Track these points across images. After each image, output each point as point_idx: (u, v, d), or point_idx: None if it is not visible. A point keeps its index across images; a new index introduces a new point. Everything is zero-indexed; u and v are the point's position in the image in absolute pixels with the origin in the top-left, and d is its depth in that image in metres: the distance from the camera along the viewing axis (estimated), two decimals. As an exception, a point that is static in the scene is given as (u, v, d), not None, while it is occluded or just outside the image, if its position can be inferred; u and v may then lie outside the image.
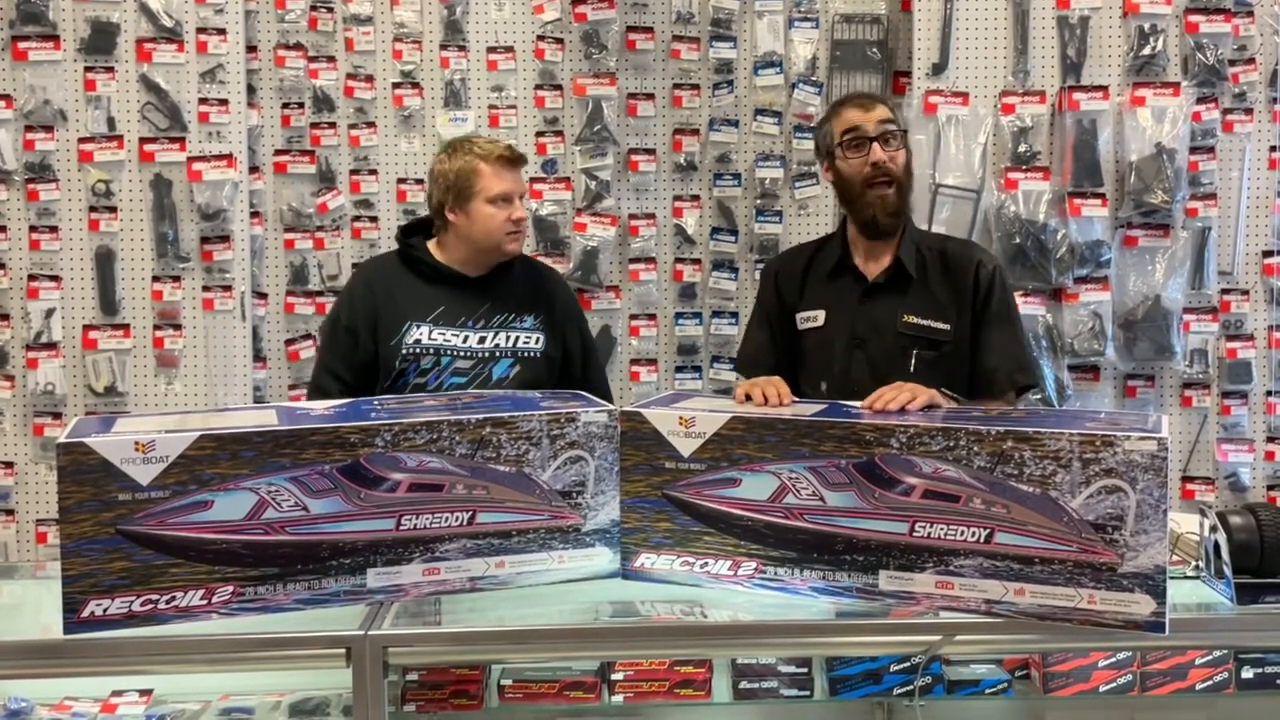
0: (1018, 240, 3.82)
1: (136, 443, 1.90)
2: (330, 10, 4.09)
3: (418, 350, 2.83)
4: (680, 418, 2.07)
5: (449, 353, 2.84)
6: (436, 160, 2.93)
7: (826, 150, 2.79)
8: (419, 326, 2.84)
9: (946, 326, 2.73)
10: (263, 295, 4.06)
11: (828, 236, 2.94)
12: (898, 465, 1.97)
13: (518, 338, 2.88)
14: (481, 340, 2.86)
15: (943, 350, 2.72)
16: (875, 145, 2.69)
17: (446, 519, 2.04)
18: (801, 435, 2.03)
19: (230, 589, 1.95)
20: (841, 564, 2.00)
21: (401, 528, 2.02)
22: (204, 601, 1.94)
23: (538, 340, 2.90)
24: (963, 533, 1.94)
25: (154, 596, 1.92)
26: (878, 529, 1.98)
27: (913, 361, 2.70)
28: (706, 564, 2.08)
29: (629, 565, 2.12)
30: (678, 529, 2.09)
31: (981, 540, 1.93)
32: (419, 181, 4.10)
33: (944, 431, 1.95)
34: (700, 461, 2.07)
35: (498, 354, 2.87)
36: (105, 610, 1.91)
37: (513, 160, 2.86)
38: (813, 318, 2.83)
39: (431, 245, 2.95)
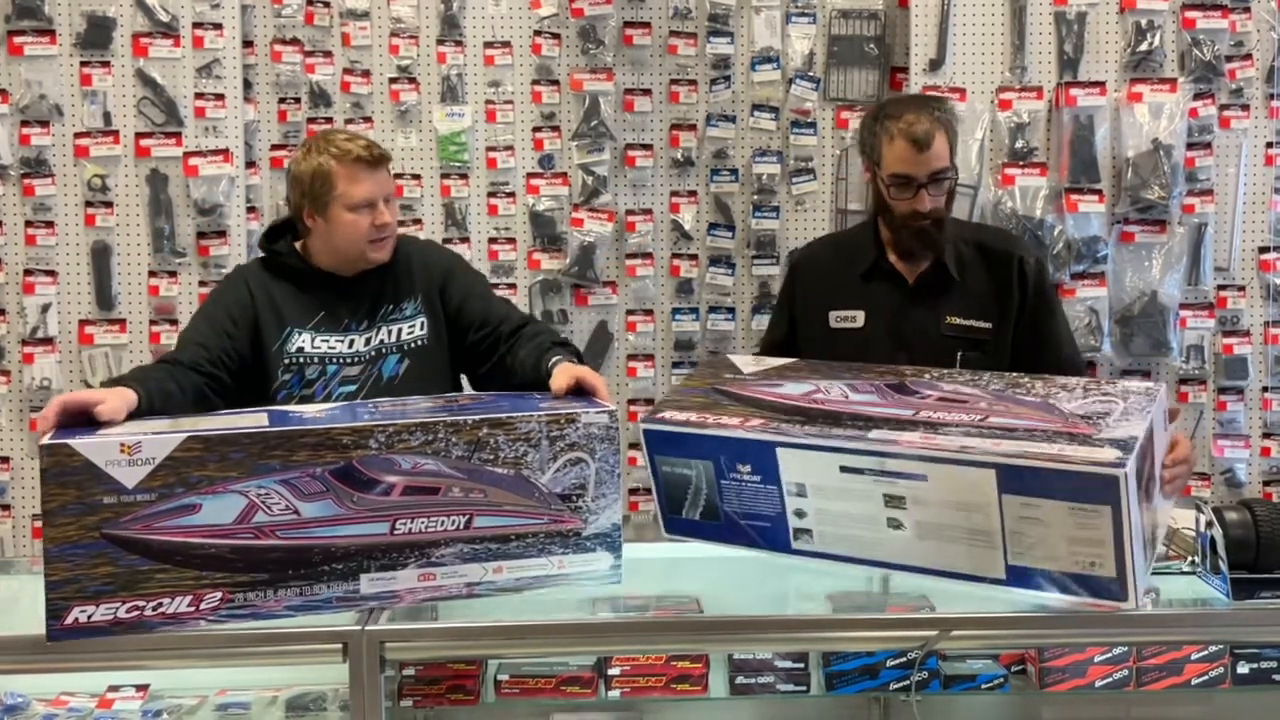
0: (1015, 236, 3.83)
1: (122, 445, 1.87)
2: (327, 5, 4.08)
3: (301, 360, 2.62)
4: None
5: (335, 360, 2.63)
6: (291, 159, 2.70)
7: (873, 158, 2.72)
8: (300, 334, 2.63)
9: (989, 325, 2.71)
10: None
11: (856, 230, 2.89)
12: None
13: (400, 329, 2.67)
14: (367, 342, 2.65)
15: (986, 349, 2.70)
16: (924, 192, 2.63)
17: (442, 523, 2.01)
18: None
19: (219, 595, 1.92)
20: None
21: (396, 532, 1.98)
22: (192, 608, 1.91)
23: (421, 326, 2.68)
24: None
25: (140, 603, 1.89)
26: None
27: (958, 363, 2.68)
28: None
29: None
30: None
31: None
32: (416, 177, 4.10)
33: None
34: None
35: (384, 350, 2.66)
36: (90, 617, 1.87)
37: (371, 161, 2.59)
38: (850, 318, 2.78)
39: (299, 246, 2.72)
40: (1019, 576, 1.95)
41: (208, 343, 2.55)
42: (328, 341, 2.64)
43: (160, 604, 1.90)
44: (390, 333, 2.67)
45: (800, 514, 2.12)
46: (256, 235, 3.96)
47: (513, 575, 2.06)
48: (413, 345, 2.68)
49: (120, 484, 1.87)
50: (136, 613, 1.89)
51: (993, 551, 1.96)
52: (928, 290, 2.75)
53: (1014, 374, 2.24)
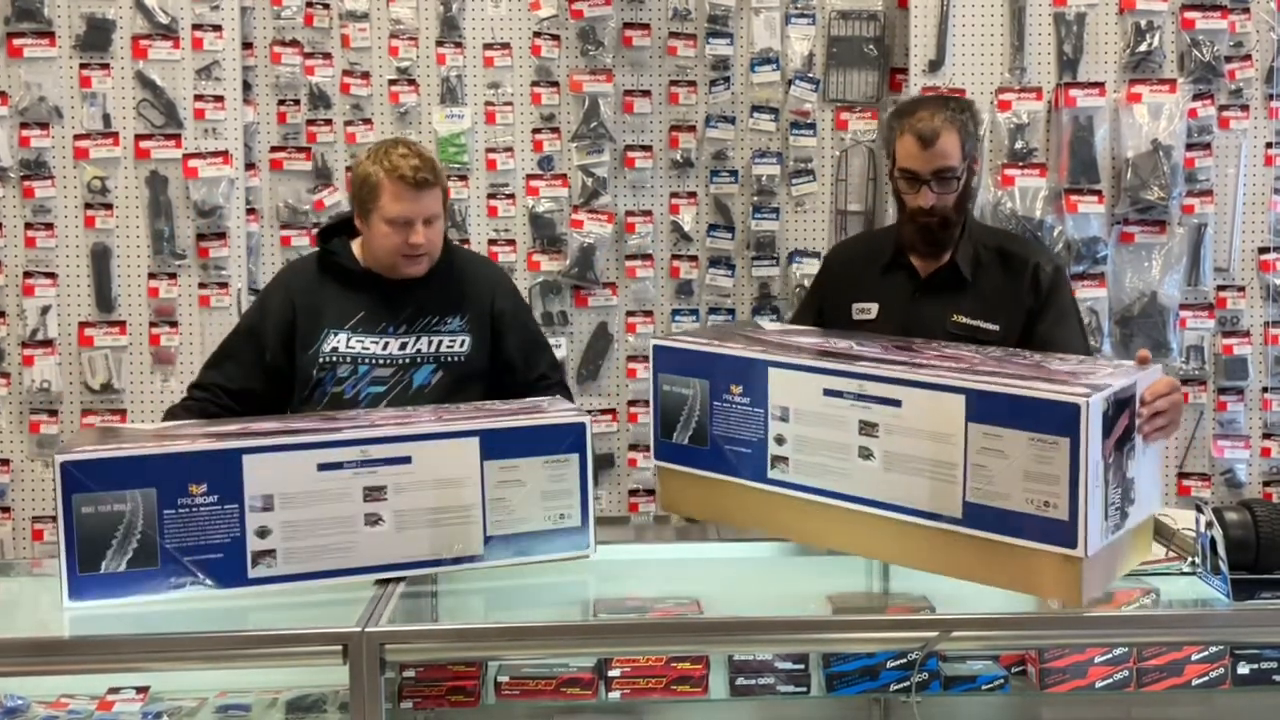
0: (1014, 237, 3.83)
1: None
2: (326, 7, 4.08)
3: (334, 359, 2.69)
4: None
5: (367, 361, 2.69)
6: (360, 158, 2.77)
7: (888, 154, 2.78)
8: (336, 334, 2.71)
9: (995, 327, 2.72)
10: (259, 293, 4.05)
11: (889, 227, 2.94)
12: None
13: (440, 341, 2.73)
14: (402, 346, 2.71)
15: None
16: (925, 189, 2.66)
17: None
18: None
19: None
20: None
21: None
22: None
23: (462, 344, 2.74)
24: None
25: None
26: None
27: None
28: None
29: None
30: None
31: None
32: (415, 178, 4.09)
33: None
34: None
35: (419, 359, 2.71)
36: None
37: (415, 183, 2.62)
38: (866, 310, 2.82)
39: (355, 245, 2.78)
40: (974, 516, 1.97)
41: (230, 376, 2.73)
42: (362, 342, 2.70)
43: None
44: (430, 342, 2.72)
45: (780, 440, 2.18)
46: (256, 237, 3.99)
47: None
48: (450, 358, 2.73)
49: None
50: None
51: (953, 487, 1.98)
52: (938, 287, 2.77)
53: (1018, 349, 2.34)
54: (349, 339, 2.71)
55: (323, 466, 2.06)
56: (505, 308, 2.83)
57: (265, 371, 2.72)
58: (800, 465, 2.16)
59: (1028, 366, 2.09)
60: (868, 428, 2.07)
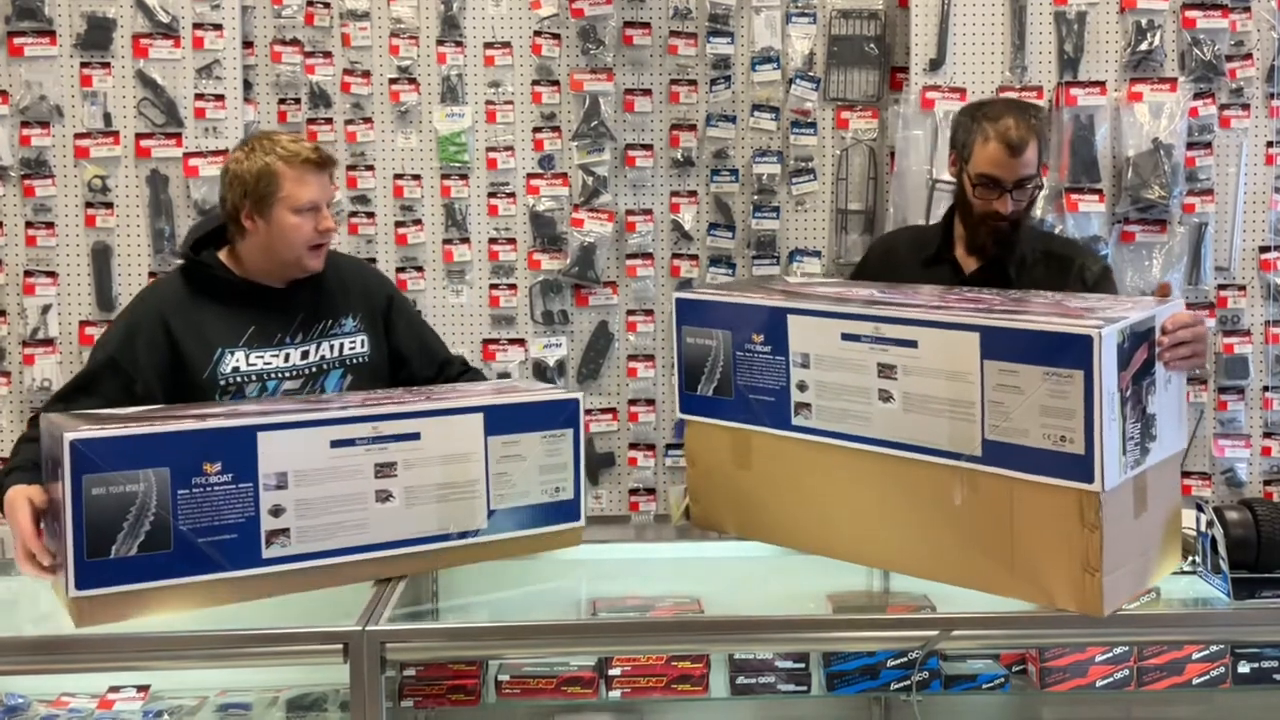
0: (1015, 236, 3.83)
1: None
2: (327, 6, 4.08)
3: (239, 379, 2.52)
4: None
5: (274, 375, 2.55)
6: (232, 158, 2.57)
7: (963, 155, 2.76)
8: (233, 353, 2.52)
9: None
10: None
11: (936, 224, 2.94)
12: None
13: (342, 344, 2.62)
14: (304, 355, 2.58)
15: None
16: (1008, 196, 2.68)
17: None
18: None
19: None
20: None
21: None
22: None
23: (362, 344, 2.64)
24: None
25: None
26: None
27: None
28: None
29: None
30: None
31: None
32: (416, 178, 4.10)
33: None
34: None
35: (325, 365, 2.59)
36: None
37: (319, 163, 2.52)
38: None
39: (224, 256, 2.60)
40: (994, 453, 1.96)
41: (84, 410, 2.37)
42: (262, 357, 2.55)
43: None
44: (331, 348, 2.62)
45: (802, 386, 2.18)
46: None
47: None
48: (355, 360, 2.63)
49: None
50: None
51: (971, 425, 1.98)
52: (981, 284, 2.77)
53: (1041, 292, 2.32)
54: (248, 355, 2.54)
55: (335, 443, 2.06)
56: (393, 302, 2.74)
57: (133, 404, 2.41)
58: (822, 411, 2.15)
59: (1046, 305, 2.07)
60: (886, 370, 2.06)
